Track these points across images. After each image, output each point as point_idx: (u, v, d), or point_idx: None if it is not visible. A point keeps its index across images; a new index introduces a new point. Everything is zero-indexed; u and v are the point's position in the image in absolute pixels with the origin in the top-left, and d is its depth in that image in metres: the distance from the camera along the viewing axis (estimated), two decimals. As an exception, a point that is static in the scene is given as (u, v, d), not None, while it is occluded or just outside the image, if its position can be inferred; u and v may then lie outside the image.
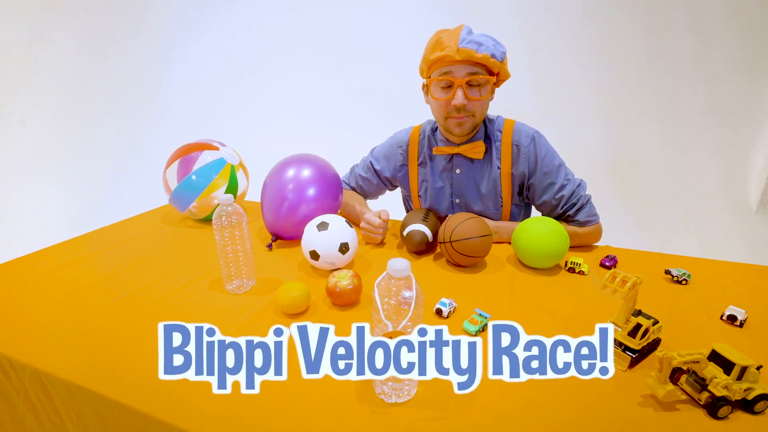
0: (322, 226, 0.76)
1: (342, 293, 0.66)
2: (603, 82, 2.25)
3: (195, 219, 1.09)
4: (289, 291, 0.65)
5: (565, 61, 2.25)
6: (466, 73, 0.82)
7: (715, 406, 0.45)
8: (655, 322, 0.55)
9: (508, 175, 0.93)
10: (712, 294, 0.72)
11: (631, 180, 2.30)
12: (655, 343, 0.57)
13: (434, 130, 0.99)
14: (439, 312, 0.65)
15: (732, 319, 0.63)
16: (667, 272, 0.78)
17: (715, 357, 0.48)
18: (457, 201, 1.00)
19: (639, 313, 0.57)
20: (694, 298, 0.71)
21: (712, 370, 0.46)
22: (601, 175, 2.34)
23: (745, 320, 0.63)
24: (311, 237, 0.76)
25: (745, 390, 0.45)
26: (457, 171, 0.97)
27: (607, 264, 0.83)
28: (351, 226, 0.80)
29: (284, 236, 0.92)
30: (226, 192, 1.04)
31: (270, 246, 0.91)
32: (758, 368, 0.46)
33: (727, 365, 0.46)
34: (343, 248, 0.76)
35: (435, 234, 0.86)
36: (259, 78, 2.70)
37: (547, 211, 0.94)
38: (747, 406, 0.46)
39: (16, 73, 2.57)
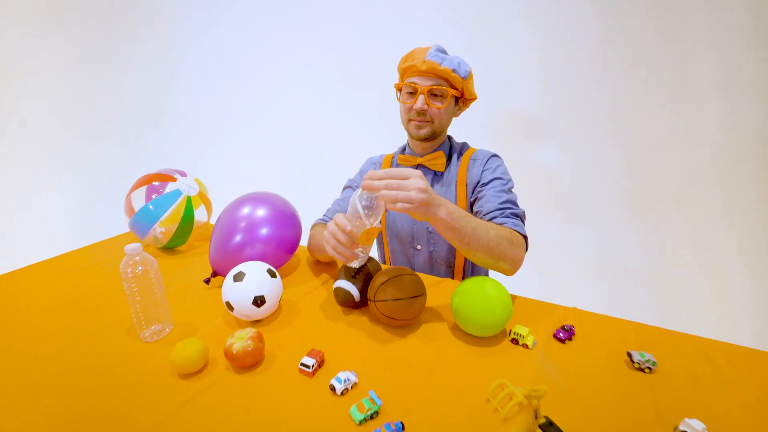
0: (239, 276, 0.73)
1: (237, 356, 0.62)
2: (620, 100, 2.05)
3: (158, 247, 1.11)
4: (182, 350, 0.62)
5: (579, 76, 2.07)
6: (429, 83, 0.90)
7: None
8: (565, 441, 0.45)
9: (464, 187, 0.97)
10: (677, 391, 0.59)
11: (650, 208, 2.08)
12: (566, 465, 0.47)
13: (402, 150, 1.08)
14: (332, 389, 0.58)
15: (685, 436, 0.51)
16: (629, 355, 0.66)
17: None
18: None
19: (550, 425, 0.47)
20: (652, 397, 0.59)
21: None
22: (615, 200, 2.14)
23: (702, 440, 0.50)
24: (227, 287, 0.73)
25: None
26: None
27: (560, 336, 0.71)
28: (273, 276, 0.75)
29: (224, 274, 0.90)
30: (182, 224, 1.05)
31: (207, 281, 0.90)
32: None
33: None
34: (258, 301, 0.72)
35: (366, 289, 0.79)
36: (264, 84, 2.70)
37: (486, 209, 0.88)
38: None
39: (17, 78, 2.72)
